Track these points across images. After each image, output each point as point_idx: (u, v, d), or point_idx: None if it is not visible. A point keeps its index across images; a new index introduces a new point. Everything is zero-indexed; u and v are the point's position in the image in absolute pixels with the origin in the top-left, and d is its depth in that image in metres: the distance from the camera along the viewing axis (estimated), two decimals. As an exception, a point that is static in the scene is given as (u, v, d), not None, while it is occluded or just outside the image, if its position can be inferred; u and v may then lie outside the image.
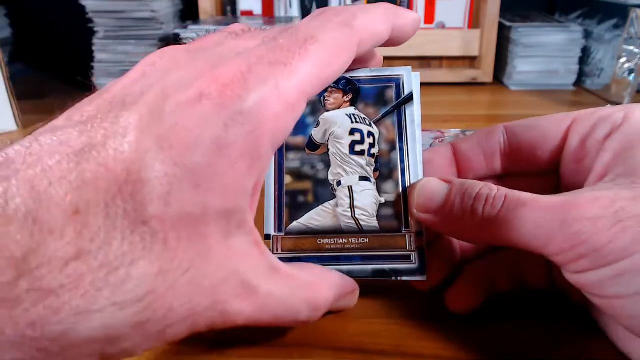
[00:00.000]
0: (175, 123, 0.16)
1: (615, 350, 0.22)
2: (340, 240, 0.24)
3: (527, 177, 0.26)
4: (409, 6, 0.74)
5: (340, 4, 0.74)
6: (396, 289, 0.27)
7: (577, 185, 0.23)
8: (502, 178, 0.27)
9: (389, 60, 0.75)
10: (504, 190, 0.21)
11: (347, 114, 0.25)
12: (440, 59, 0.76)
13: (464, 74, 0.74)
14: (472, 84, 0.74)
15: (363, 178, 0.25)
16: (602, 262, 0.18)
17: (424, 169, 0.25)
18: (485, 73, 0.74)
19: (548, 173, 0.25)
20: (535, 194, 0.21)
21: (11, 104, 0.55)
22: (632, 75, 0.62)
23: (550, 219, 0.19)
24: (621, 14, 0.64)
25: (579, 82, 0.73)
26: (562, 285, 0.25)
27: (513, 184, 0.26)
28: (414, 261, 0.24)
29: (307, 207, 0.25)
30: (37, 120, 0.58)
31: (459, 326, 0.25)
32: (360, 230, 0.24)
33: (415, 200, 0.24)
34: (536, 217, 0.20)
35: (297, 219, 0.25)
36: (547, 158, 0.25)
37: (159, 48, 0.22)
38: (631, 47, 0.62)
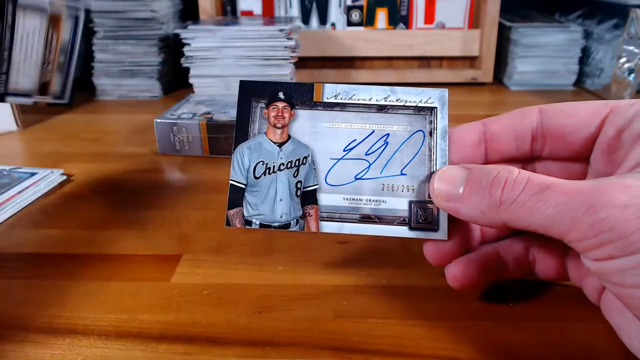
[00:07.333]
0: None
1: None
2: None
3: (556, 162, 0.26)
4: (409, 6, 0.74)
5: (340, 5, 0.74)
6: (396, 288, 0.27)
7: (607, 175, 0.23)
8: (532, 161, 0.27)
9: (389, 61, 0.75)
10: (525, 174, 0.21)
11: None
12: (440, 59, 0.76)
13: (464, 74, 0.74)
14: (472, 84, 0.74)
15: None
16: (626, 251, 0.18)
17: (452, 148, 0.26)
18: (485, 73, 0.74)
19: (579, 159, 0.25)
20: (561, 179, 0.20)
21: (11, 104, 0.55)
22: (632, 75, 0.62)
23: (575, 205, 0.19)
24: (621, 14, 0.65)
25: (579, 82, 0.73)
26: (575, 278, 0.25)
27: (542, 168, 0.26)
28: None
29: None
30: (37, 120, 0.58)
31: (459, 326, 0.25)
32: None
33: (435, 188, 0.24)
34: (560, 201, 0.19)
35: None
36: (581, 145, 0.24)
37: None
38: (631, 47, 0.62)
